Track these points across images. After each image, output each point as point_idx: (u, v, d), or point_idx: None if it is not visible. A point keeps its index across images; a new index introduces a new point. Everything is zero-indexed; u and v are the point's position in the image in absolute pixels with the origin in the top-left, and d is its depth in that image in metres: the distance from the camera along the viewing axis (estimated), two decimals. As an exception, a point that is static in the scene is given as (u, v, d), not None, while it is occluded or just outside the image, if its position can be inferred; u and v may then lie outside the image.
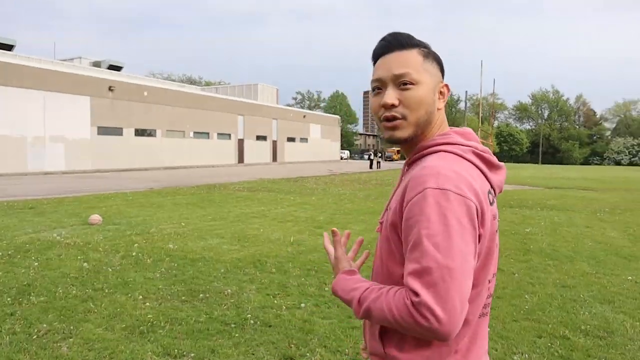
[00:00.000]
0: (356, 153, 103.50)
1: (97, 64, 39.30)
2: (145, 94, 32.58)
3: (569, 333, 4.39)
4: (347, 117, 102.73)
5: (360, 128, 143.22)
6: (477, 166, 1.17)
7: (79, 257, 6.38)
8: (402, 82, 1.19)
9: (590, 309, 5.15)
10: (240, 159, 43.51)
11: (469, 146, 1.20)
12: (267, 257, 6.75)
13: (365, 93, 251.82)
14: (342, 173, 33.47)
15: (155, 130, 33.90)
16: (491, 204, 1.16)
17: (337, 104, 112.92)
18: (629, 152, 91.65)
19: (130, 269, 5.90)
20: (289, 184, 21.61)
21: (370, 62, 1.29)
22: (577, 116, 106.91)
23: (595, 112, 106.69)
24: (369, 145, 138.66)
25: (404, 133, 1.21)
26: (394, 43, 1.23)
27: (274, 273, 5.97)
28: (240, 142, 43.59)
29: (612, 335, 4.40)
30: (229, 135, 42.08)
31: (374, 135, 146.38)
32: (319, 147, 60.03)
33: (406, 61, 1.20)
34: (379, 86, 1.24)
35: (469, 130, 1.28)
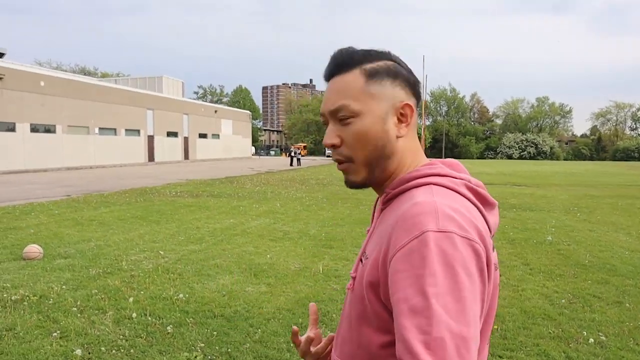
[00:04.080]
0: (261, 149, 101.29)
1: (-27, 49, 33.54)
2: (42, 84, 27.95)
3: None
4: (252, 112, 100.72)
5: (260, 123, 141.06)
6: (473, 203, 0.90)
7: (51, 332, 4.00)
8: (340, 117, 0.94)
9: None
10: (151, 157, 39.68)
11: (462, 179, 0.94)
12: (319, 303, 4.83)
13: (264, 88, 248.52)
14: (267, 172, 31.60)
15: (54, 126, 29.41)
16: (493, 249, 0.88)
17: (240, 99, 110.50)
18: (518, 146, 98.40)
19: (150, 348, 3.71)
20: (225, 186, 19.41)
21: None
22: (472, 113, 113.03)
23: (488, 109, 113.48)
24: (273, 141, 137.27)
25: (357, 177, 0.97)
26: (332, 66, 0.98)
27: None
28: (150, 139, 39.72)
29: None
30: (138, 131, 38.11)
31: (277, 131, 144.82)
32: (231, 143, 57.34)
33: (343, 89, 0.95)
34: (324, 121, 1.00)
35: (456, 161, 1.02)
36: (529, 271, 6.69)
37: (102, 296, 4.89)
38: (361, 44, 1.03)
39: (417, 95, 0.99)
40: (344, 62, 0.96)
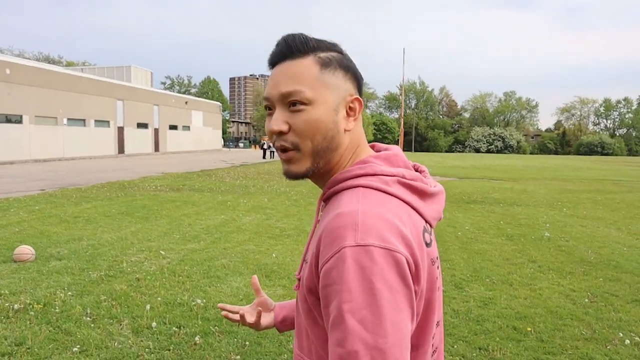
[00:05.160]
0: (230, 141, 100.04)
1: None
2: (8, 71, 26.72)
3: None
4: (221, 103, 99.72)
5: (228, 115, 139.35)
6: (405, 201, 0.90)
7: (67, 346, 3.63)
8: (291, 102, 0.90)
9: None
10: (121, 149, 38.58)
11: (394, 175, 0.92)
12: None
13: (232, 79, 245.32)
14: (242, 164, 31.15)
15: (21, 116, 28.19)
16: (428, 245, 0.91)
17: (208, 90, 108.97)
18: (486, 140, 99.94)
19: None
20: (204, 179, 18.95)
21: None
22: (440, 106, 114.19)
23: (456, 103, 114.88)
24: (241, 132, 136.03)
25: (300, 167, 0.93)
26: (285, 50, 0.93)
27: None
28: (120, 130, 38.62)
29: None
30: (108, 122, 36.98)
31: (246, 123, 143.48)
32: (201, 135, 56.38)
33: (297, 74, 0.91)
34: (269, 105, 0.95)
35: (396, 151, 1.00)
36: (538, 269, 6.64)
37: (112, 303, 4.54)
38: (326, 36, 0.97)
39: (361, 92, 0.99)
40: (298, 46, 0.93)
